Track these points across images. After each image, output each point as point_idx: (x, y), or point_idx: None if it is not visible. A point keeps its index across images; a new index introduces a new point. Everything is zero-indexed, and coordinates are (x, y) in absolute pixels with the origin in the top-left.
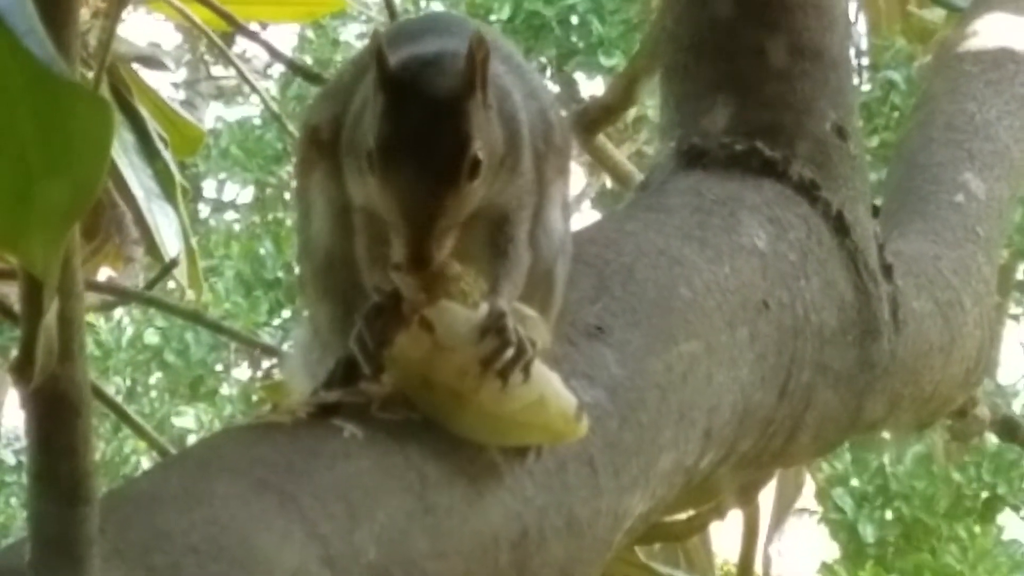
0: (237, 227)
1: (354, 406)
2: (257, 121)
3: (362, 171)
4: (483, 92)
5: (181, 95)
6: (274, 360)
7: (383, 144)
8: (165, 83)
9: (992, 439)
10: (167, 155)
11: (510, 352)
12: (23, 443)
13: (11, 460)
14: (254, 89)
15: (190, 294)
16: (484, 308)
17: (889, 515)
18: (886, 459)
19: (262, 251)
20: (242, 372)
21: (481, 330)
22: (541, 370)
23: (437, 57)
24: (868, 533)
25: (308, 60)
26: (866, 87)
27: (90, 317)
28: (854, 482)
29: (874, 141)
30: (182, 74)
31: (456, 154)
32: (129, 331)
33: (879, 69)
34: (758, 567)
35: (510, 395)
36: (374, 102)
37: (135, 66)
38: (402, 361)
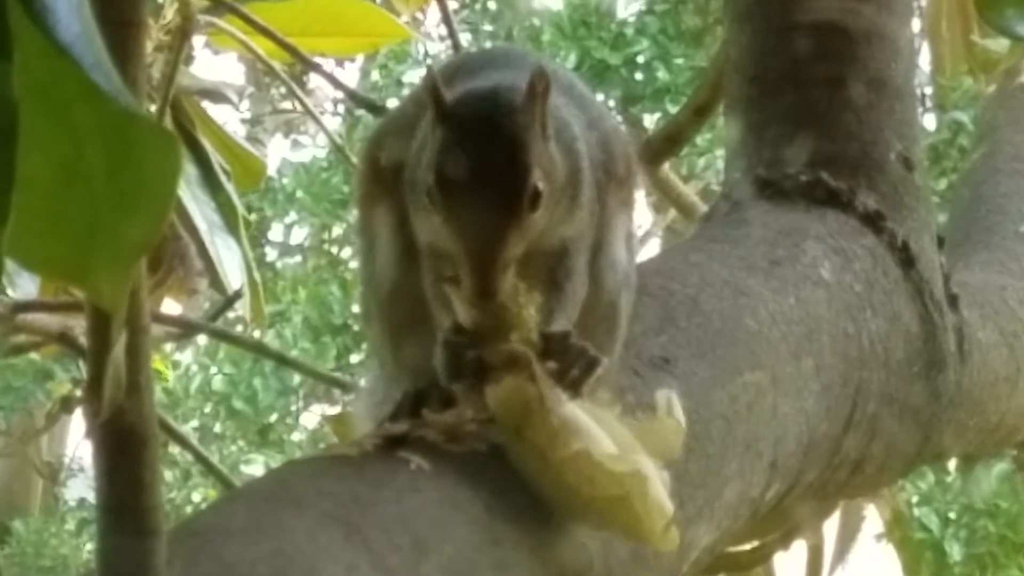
0: (304, 271)
1: (420, 438)
2: (324, 164)
3: (424, 207)
4: (542, 124)
5: (244, 130)
6: (343, 398)
7: (442, 179)
8: (232, 118)
9: None
10: (230, 188)
11: (577, 369)
12: (88, 474)
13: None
14: (318, 122)
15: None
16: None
17: (975, 534)
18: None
19: (329, 296)
20: (311, 418)
21: (545, 354)
22: (643, 477)
23: (493, 91)
24: (955, 552)
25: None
26: (931, 125)
27: (158, 364)
28: (939, 502)
29: (942, 183)
30: (245, 107)
31: (516, 186)
32: (197, 378)
33: (946, 110)
34: None
35: (593, 479)
36: (432, 138)
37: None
38: (504, 406)
